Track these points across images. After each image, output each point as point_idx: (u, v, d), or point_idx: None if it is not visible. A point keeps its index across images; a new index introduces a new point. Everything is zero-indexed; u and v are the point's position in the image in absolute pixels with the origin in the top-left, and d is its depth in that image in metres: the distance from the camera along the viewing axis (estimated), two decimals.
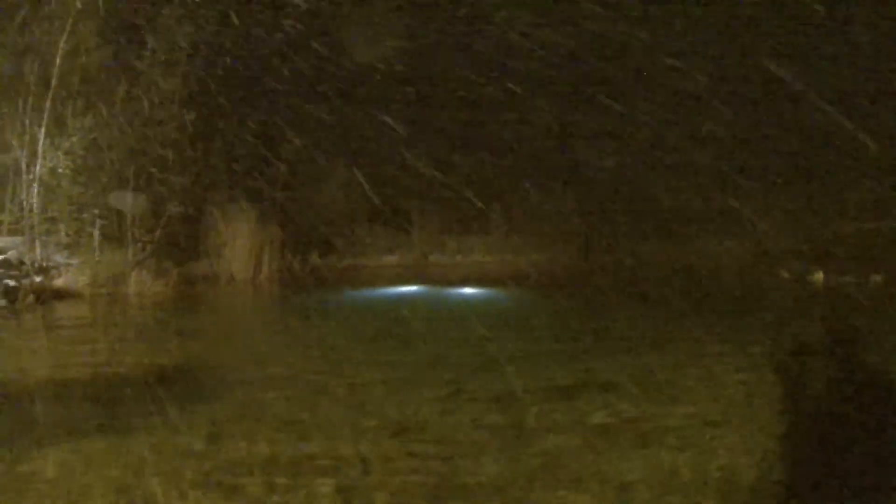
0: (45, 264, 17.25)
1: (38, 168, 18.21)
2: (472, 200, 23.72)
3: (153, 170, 19.72)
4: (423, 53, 24.71)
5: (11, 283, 15.34)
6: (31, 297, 15.18)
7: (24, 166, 18.39)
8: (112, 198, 18.82)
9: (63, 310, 15.35)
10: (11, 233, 18.46)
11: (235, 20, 21.21)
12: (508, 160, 26.84)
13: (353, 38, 23.20)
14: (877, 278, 18.21)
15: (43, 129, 17.98)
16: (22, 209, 18.50)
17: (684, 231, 26.71)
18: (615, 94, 24.03)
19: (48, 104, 18.17)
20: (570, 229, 28.35)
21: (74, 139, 18.57)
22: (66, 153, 18.43)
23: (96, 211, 18.72)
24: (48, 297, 15.88)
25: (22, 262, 16.59)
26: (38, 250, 17.71)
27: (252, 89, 23.02)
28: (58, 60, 17.99)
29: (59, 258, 18.01)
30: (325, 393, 7.55)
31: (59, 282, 17.02)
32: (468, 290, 19.07)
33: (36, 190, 18.12)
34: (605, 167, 28.28)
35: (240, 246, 21.33)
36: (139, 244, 19.53)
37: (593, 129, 27.34)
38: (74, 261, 18.06)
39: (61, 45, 17.86)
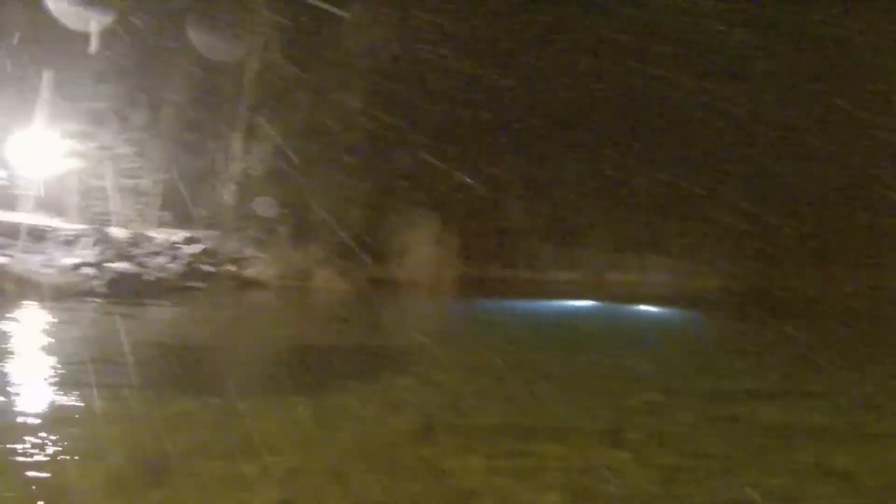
0: (237, 256, 18.37)
1: (233, 170, 19.66)
2: (650, 218, 22.72)
3: (340, 175, 20.57)
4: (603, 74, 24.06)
5: (210, 269, 16.47)
6: (227, 283, 16.26)
7: (220, 168, 19.92)
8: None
9: (254, 296, 16.34)
10: (207, 227, 19.90)
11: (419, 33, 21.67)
12: (690, 178, 25.43)
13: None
14: None
15: (238, 135, 19.50)
16: (218, 206, 20.00)
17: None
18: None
19: (243, 112, 19.68)
20: (754, 249, 26.32)
21: (266, 145, 19.79)
22: (258, 157, 19.72)
23: (285, 210, 19.70)
24: (240, 284, 16.92)
25: (217, 253, 17.74)
26: (231, 243, 18.94)
27: (436, 103, 23.41)
28: (250, 75, 19.46)
29: (250, 251, 19.12)
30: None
31: (249, 272, 18.05)
32: (647, 309, 18.16)
33: (231, 189, 19.58)
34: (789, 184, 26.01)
35: (420, 252, 21.61)
36: (325, 244, 20.31)
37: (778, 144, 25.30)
38: (264, 255, 19.10)
39: (252, 60, 19.31)
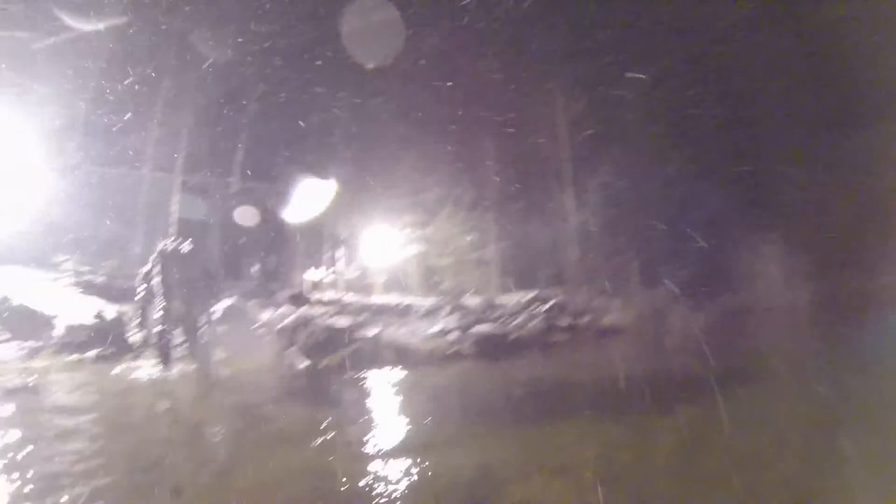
0: (590, 306, 17.09)
1: (569, 225, 18.79)
2: None
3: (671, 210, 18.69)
4: None
5: (566, 322, 15.38)
6: (586, 333, 14.99)
7: (556, 225, 19.12)
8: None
9: (615, 342, 14.81)
10: (552, 285, 18.99)
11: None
12: None
13: None
14: None
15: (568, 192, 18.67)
16: (559, 263, 19.16)
17: None
18: None
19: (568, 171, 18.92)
20: None
21: (594, 196, 18.75)
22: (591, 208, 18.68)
23: (630, 254, 18.23)
24: (598, 333, 15.54)
25: (570, 306, 16.62)
26: (581, 295, 17.77)
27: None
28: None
29: (601, 301, 17.76)
30: None
31: (605, 321, 16.60)
32: None
33: (571, 243, 18.69)
34: None
35: (767, 274, 18.54)
36: (674, 279, 18.28)
37: None
38: (615, 302, 17.61)
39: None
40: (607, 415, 6.65)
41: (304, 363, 10.05)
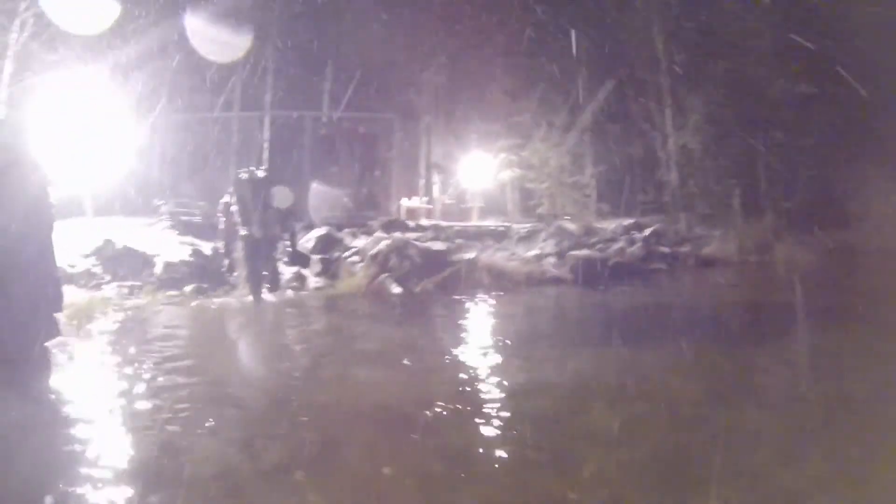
0: (690, 235, 16.54)
1: (668, 148, 17.94)
2: None
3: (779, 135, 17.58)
4: None
5: (666, 250, 14.95)
6: (686, 262, 14.55)
7: (652, 150, 18.34)
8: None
9: (716, 272, 14.27)
10: (649, 212, 18.42)
11: None
12: None
13: None
14: None
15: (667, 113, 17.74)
16: (657, 189, 18.48)
17: None
18: None
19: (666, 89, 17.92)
20: None
21: (695, 116, 17.68)
22: (691, 130, 17.69)
23: (733, 181, 17.33)
24: (699, 263, 15.03)
25: (669, 234, 16.14)
26: (680, 223, 17.19)
27: None
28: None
29: (701, 230, 17.13)
30: None
31: (707, 251, 16.01)
32: None
33: (670, 168, 17.86)
34: None
35: (882, 211, 17.18)
36: (778, 213, 17.38)
37: None
38: (716, 231, 16.94)
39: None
40: (705, 344, 6.47)
41: (398, 288, 10.15)
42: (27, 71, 12.16)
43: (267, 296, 9.37)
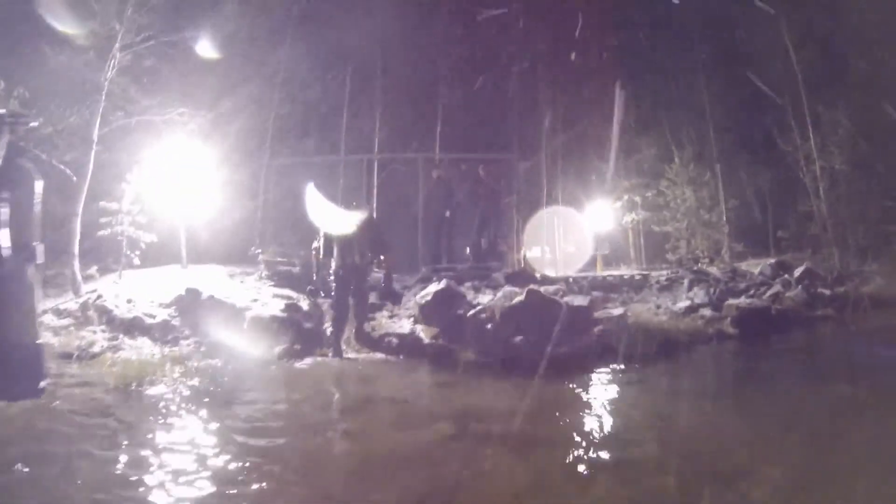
0: (848, 273, 14.36)
1: (809, 176, 15.93)
2: None
3: None
4: None
5: (825, 292, 12.85)
6: (863, 303, 12.32)
7: (790, 179, 16.38)
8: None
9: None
10: (790, 248, 16.39)
11: None
12: None
13: None
14: None
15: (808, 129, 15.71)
16: (798, 221, 16.48)
17: None
18: None
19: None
20: None
21: (841, 130, 15.63)
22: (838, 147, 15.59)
23: (892, 203, 15.06)
24: (870, 304, 12.83)
25: (822, 273, 14.03)
26: (831, 261, 15.05)
27: None
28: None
29: (855, 265, 14.95)
30: None
31: (868, 289, 13.81)
32: None
33: (814, 197, 15.81)
34: None
35: None
36: None
37: None
38: (874, 265, 14.73)
39: None
40: None
41: (538, 350, 8.64)
42: (120, 111, 11.83)
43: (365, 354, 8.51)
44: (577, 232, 15.57)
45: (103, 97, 10.98)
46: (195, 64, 12.89)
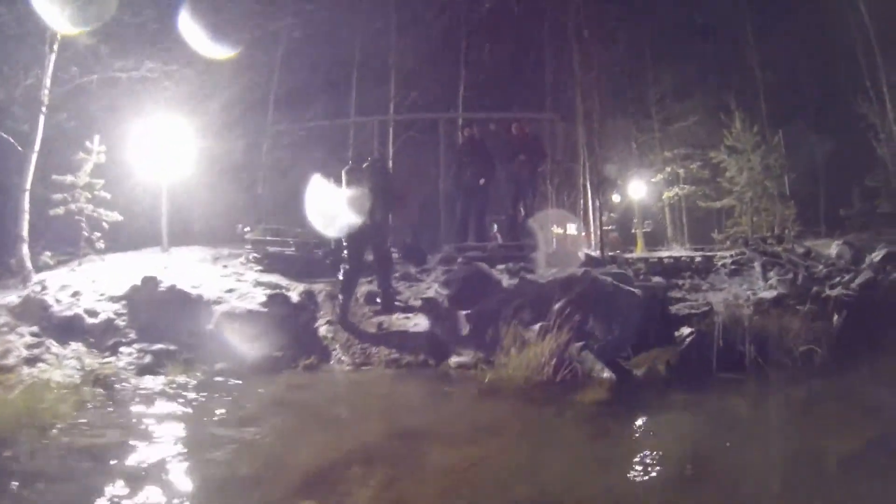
0: None
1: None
2: None
3: None
4: None
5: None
6: None
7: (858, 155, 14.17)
8: None
9: None
10: (849, 228, 14.21)
11: None
12: None
13: None
14: None
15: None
16: (864, 197, 14.26)
17: None
18: None
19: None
20: None
21: None
22: None
23: None
24: None
25: None
26: None
27: None
28: None
29: None
30: None
31: None
32: None
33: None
34: None
35: None
36: None
37: None
38: None
39: None
40: None
41: (606, 371, 6.47)
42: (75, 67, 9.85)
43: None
44: (615, 208, 13.38)
45: (51, 49, 8.89)
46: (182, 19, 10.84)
